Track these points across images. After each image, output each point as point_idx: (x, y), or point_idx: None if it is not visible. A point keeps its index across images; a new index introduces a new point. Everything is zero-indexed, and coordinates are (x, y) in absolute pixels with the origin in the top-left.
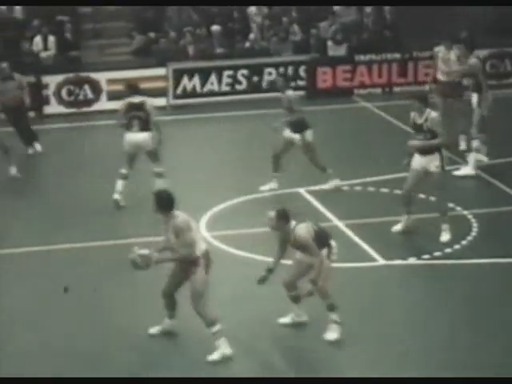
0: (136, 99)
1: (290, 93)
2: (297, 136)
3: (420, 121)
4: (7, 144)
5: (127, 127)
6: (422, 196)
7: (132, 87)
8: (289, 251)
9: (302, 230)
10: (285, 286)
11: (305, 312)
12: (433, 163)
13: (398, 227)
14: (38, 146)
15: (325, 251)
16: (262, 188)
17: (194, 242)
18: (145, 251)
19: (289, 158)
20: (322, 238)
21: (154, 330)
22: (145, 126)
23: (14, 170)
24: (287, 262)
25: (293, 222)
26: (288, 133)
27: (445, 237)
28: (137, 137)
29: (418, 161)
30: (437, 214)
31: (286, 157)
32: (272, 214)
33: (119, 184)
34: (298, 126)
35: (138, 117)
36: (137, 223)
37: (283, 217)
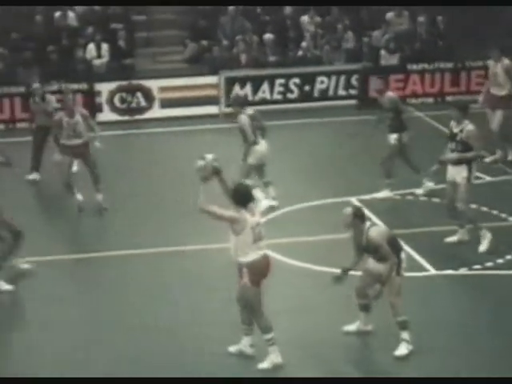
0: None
1: (390, 94)
2: (394, 136)
3: (456, 130)
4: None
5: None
6: (484, 208)
7: None
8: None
9: (376, 231)
10: (356, 294)
11: (371, 321)
12: (460, 174)
13: (452, 238)
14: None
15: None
16: (376, 196)
17: (244, 247)
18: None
19: (342, 167)
20: (395, 247)
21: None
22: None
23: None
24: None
25: (367, 223)
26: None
27: (482, 247)
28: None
29: (449, 171)
30: (490, 224)
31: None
32: (348, 210)
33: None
34: (396, 127)
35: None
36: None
37: (359, 215)
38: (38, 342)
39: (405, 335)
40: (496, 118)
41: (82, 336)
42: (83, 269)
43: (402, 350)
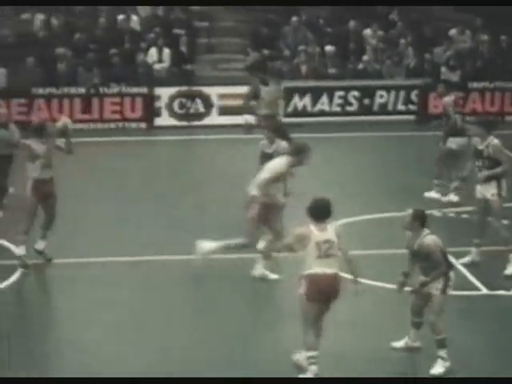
0: None
1: (446, 99)
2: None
3: (481, 147)
4: None
5: None
6: None
7: None
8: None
9: (432, 239)
10: (411, 311)
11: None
12: (489, 191)
13: (465, 260)
14: None
15: (441, 283)
16: (427, 194)
17: (308, 261)
18: None
19: (400, 181)
20: (446, 262)
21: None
22: None
23: None
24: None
25: (426, 230)
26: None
27: (509, 270)
28: None
29: (478, 189)
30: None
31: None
32: (409, 212)
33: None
34: (448, 132)
35: None
36: None
37: (419, 218)
38: (90, 343)
39: (442, 353)
40: None
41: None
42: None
43: (439, 368)
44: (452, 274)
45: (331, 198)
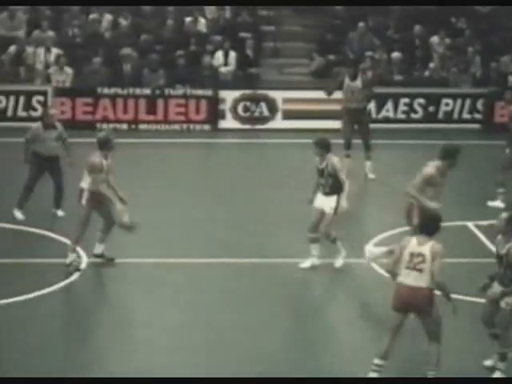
0: None
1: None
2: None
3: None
4: None
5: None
6: None
7: None
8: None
9: None
10: (484, 322)
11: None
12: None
13: None
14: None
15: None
16: (490, 204)
17: (400, 267)
18: None
19: (459, 190)
20: None
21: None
22: None
23: None
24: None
25: None
26: None
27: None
28: None
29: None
30: None
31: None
32: (503, 216)
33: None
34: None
35: None
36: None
37: None
38: (145, 342)
39: (501, 365)
40: None
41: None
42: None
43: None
44: None
45: (384, 205)
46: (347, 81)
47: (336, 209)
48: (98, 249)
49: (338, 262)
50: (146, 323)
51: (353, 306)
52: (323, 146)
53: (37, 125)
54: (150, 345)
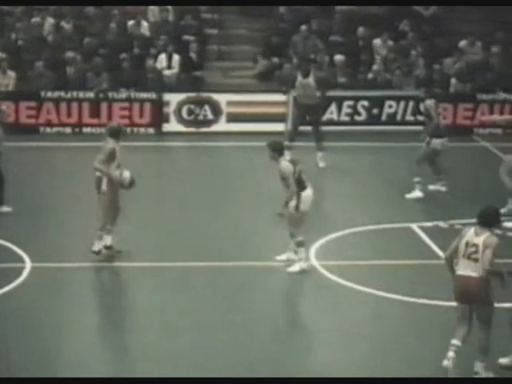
0: None
1: (428, 102)
2: (426, 138)
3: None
4: None
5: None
6: None
7: None
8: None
9: None
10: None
11: None
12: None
13: None
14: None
15: None
16: (408, 196)
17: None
18: None
19: (404, 192)
20: None
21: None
22: None
23: None
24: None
25: None
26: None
27: None
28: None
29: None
30: None
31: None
32: None
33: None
34: (432, 133)
35: None
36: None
37: None
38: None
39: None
40: None
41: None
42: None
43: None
44: None
45: (331, 207)
46: (299, 78)
47: (297, 207)
48: (107, 240)
49: (294, 267)
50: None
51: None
52: (274, 149)
53: None
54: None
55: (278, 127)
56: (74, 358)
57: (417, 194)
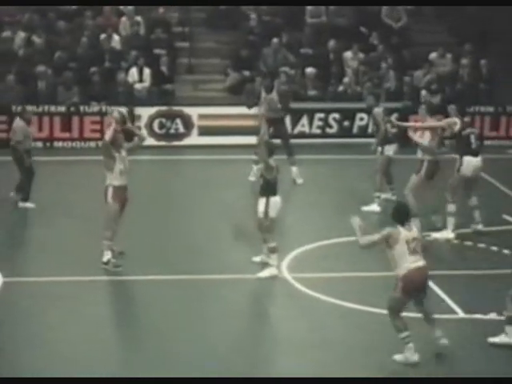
0: None
1: (376, 110)
2: (378, 148)
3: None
4: None
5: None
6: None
7: None
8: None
9: None
10: None
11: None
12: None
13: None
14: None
15: None
16: (365, 208)
17: (399, 259)
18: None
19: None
20: None
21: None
22: None
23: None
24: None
25: None
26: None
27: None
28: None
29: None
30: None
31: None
32: None
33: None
34: (382, 140)
35: None
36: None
37: None
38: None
39: None
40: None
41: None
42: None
43: None
44: None
45: (300, 220)
46: (263, 94)
47: (266, 213)
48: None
49: (264, 273)
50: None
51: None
52: (270, 149)
53: None
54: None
55: (250, 140)
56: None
57: (374, 207)
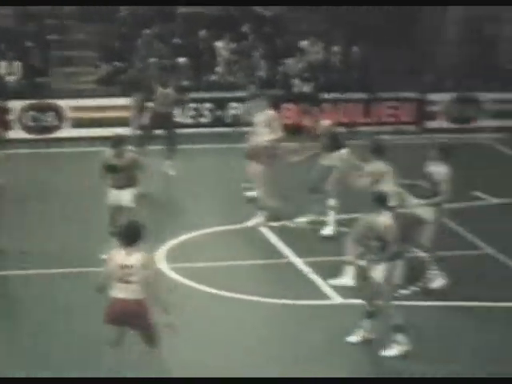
0: None
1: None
2: None
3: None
4: None
5: None
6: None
7: None
8: None
9: None
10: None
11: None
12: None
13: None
14: None
15: None
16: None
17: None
18: None
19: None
20: None
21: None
22: None
23: None
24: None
25: None
26: None
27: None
28: None
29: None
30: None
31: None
32: None
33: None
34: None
35: None
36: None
37: None
38: None
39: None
40: None
41: None
42: None
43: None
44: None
45: (175, 210)
46: (160, 89)
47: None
48: None
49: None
50: None
51: None
52: (123, 143)
53: None
54: None
55: (124, 132)
56: None
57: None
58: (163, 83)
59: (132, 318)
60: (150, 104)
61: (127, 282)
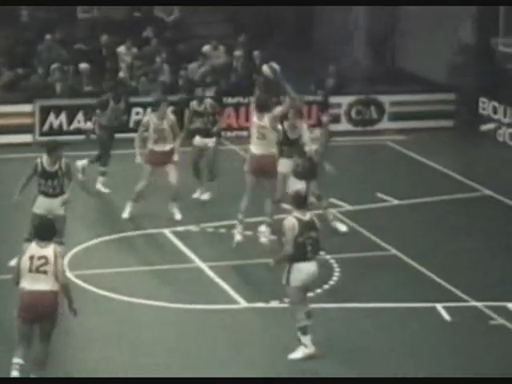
0: None
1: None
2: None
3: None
4: None
5: None
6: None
7: None
8: None
9: None
10: None
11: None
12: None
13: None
14: None
15: None
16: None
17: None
18: None
19: (156, 199)
20: None
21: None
22: None
23: None
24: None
25: None
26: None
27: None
28: None
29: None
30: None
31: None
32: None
33: None
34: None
35: None
36: None
37: None
38: None
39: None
40: None
41: None
42: None
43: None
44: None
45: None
46: (112, 104)
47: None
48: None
49: None
50: None
51: None
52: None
53: None
54: None
55: (26, 138)
56: None
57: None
58: (117, 98)
59: (47, 308)
60: None
61: (43, 272)
